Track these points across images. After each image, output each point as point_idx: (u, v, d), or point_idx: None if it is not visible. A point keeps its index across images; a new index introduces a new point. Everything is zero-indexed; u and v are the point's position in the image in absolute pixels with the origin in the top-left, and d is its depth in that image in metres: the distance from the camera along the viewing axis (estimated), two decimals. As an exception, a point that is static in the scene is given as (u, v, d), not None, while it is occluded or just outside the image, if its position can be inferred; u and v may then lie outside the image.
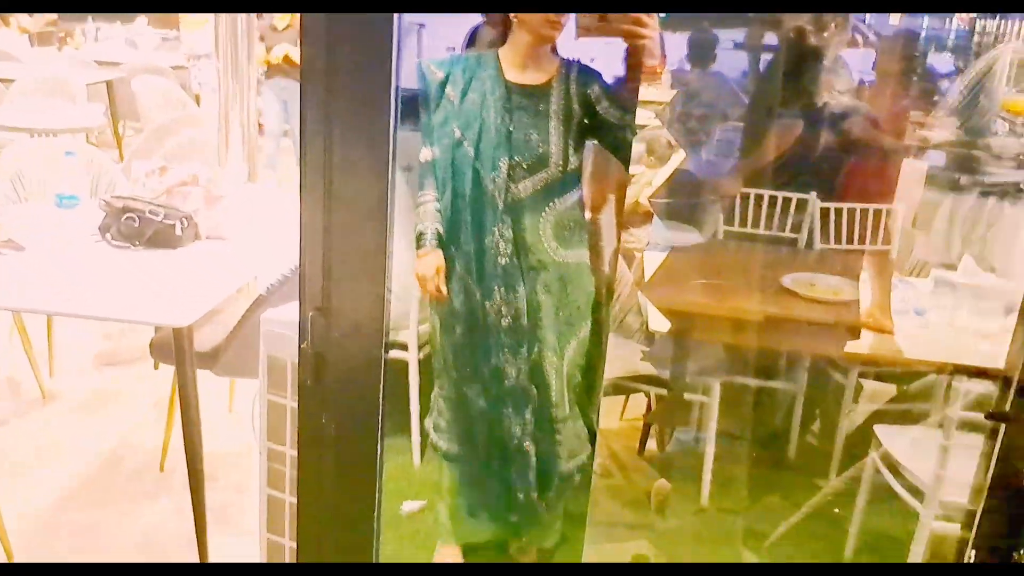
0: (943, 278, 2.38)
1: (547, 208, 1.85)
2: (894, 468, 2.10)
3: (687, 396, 2.46)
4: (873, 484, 2.19)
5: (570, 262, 1.90)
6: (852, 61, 3.84)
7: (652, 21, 1.65)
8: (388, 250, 1.06)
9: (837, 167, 3.14)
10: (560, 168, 1.81)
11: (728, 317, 2.35)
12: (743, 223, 3.09)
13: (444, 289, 1.87)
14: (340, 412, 1.19)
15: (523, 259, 1.86)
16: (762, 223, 3.08)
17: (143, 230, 2.37)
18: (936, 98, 4.46)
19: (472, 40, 3.99)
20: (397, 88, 1.04)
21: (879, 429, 2.19)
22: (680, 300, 2.40)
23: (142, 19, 9.56)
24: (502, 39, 1.85)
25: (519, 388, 1.94)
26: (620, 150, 1.86)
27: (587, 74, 1.82)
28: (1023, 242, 3.73)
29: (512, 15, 1.78)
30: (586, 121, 1.81)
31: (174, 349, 2.07)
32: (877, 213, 3.02)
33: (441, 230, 1.86)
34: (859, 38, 4.12)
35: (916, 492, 2.04)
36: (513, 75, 1.82)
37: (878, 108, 3.49)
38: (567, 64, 1.83)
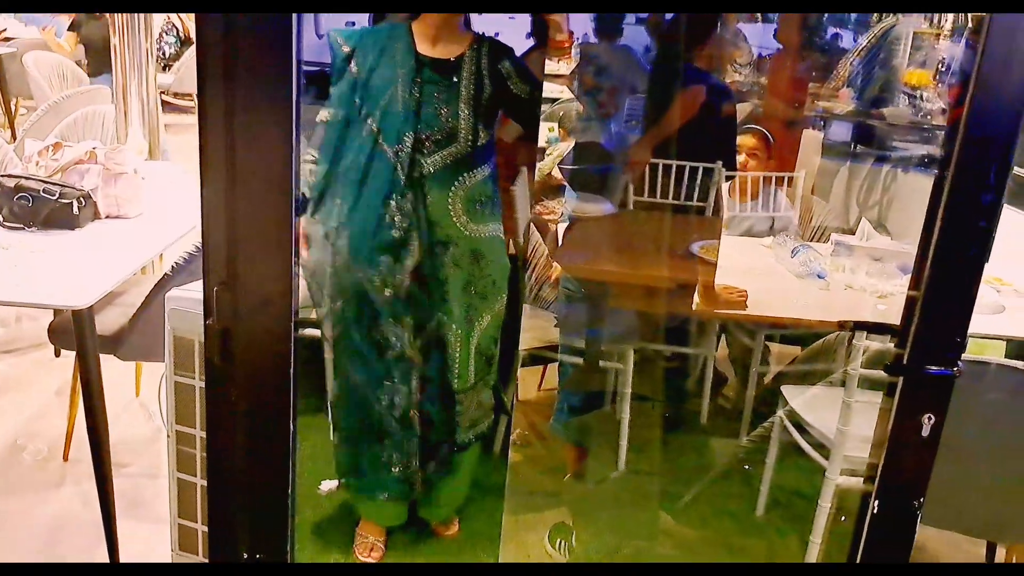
0: (842, 242, 2.48)
1: (456, 183, 1.83)
2: (800, 426, 2.18)
3: (602, 363, 2.51)
4: (781, 442, 2.28)
5: (482, 236, 1.89)
6: (752, 34, 3.95)
7: (563, 29, 1.70)
8: (294, 222, 1.04)
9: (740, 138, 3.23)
10: (470, 143, 1.80)
11: (640, 284, 2.40)
12: (652, 193, 3.15)
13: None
14: (250, 390, 1.16)
15: (430, 233, 1.85)
16: (671, 192, 3.15)
17: (38, 210, 2.26)
18: (834, 70, 4.64)
19: (376, 17, 3.93)
20: (299, 60, 1.02)
21: (785, 389, 2.28)
22: (592, 268, 2.44)
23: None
24: (415, 13, 1.82)
25: (404, 358, 1.94)
26: (529, 124, 1.89)
27: (499, 49, 1.82)
28: (917, 208, 3.93)
29: None
30: (497, 96, 1.81)
31: (74, 333, 1.99)
32: (780, 180, 3.12)
33: (308, 195, 1.85)
34: (757, 14, 4.24)
35: (821, 449, 2.13)
36: (425, 48, 1.80)
37: (777, 80, 3.60)
38: (479, 39, 1.83)
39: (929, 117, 4.39)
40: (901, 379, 1.23)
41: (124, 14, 3.21)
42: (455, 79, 1.79)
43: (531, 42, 1.86)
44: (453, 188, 1.83)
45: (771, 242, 2.61)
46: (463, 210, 1.86)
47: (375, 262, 1.85)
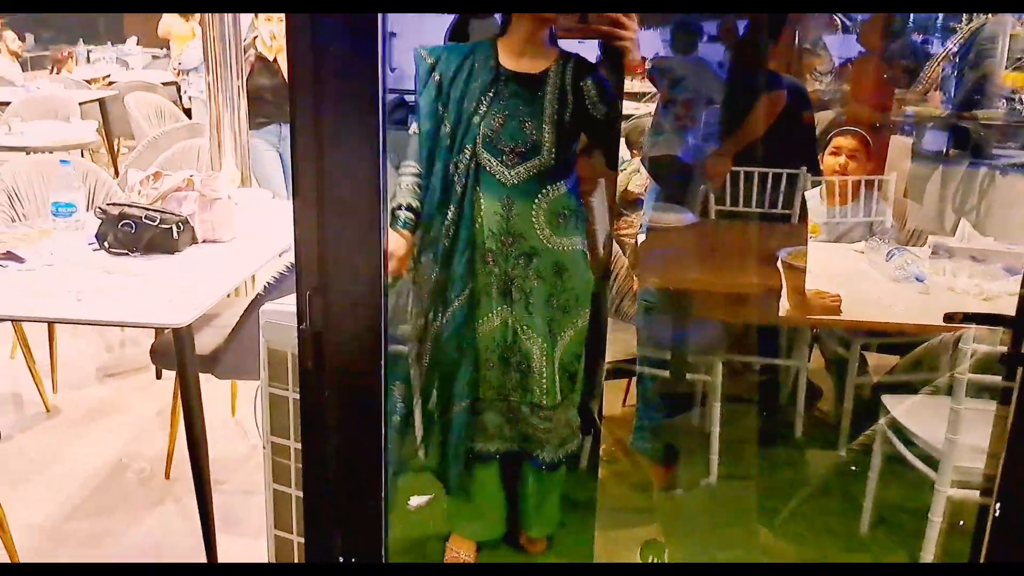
0: (941, 244, 2.38)
1: (539, 195, 1.86)
2: (904, 437, 2.09)
3: (689, 376, 2.46)
4: (884, 454, 2.18)
5: (565, 250, 1.90)
6: (832, 44, 3.86)
7: (631, 22, 1.68)
8: (382, 226, 1.06)
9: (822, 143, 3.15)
10: (553, 156, 1.83)
11: (724, 293, 2.34)
12: (734, 202, 3.09)
13: (403, 269, 1.90)
14: (343, 396, 1.18)
15: (515, 245, 1.88)
16: (753, 200, 3.09)
17: (140, 236, 2.36)
18: (921, 74, 4.48)
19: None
20: (383, 70, 1.04)
21: (886, 398, 2.19)
22: (676, 279, 2.40)
23: (132, 39, 9.59)
24: (501, 29, 1.88)
25: (492, 372, 1.95)
26: (606, 143, 1.91)
27: (583, 67, 1.84)
28: (1018, 212, 3.74)
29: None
30: (577, 113, 1.83)
31: (175, 351, 2.07)
32: (869, 184, 3.02)
33: (416, 205, 1.89)
34: (838, 21, 4.14)
35: (929, 460, 2.03)
36: (509, 62, 1.84)
37: (860, 86, 3.49)
38: (564, 55, 1.85)
39: (1024, 117, 4.19)
40: (1021, 370, 1.15)
41: (219, 56, 3.37)
42: (539, 93, 1.83)
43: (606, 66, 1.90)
44: (537, 200, 1.86)
45: (864, 246, 2.52)
46: (546, 223, 1.88)
47: (463, 273, 1.89)
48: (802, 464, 2.58)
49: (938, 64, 4.59)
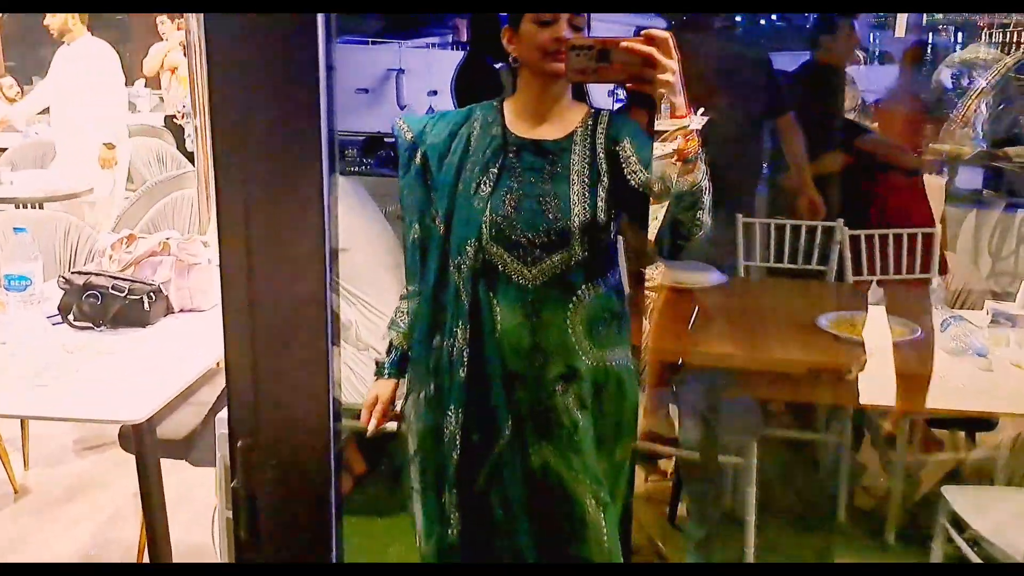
0: (1001, 311, 2.12)
1: (574, 298, 1.44)
2: (972, 538, 1.81)
3: (721, 459, 2.19)
4: (946, 557, 1.90)
5: (610, 366, 1.48)
6: (858, 78, 3.61)
7: (671, 53, 1.24)
8: (330, 349, 0.82)
9: (861, 191, 2.90)
10: (586, 244, 1.41)
11: (761, 369, 2.09)
12: (765, 257, 2.85)
13: (374, 424, 1.55)
14: None
15: (545, 367, 1.45)
16: (786, 255, 2.84)
17: (107, 308, 2.14)
18: (954, 111, 4.25)
19: (459, 85, 3.73)
20: (331, 136, 0.81)
21: (948, 490, 1.91)
22: (706, 350, 2.14)
23: (140, 81, 9.51)
24: (511, 86, 1.50)
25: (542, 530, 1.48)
26: (639, 216, 1.43)
27: (618, 124, 1.45)
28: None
29: (511, 53, 1.43)
30: (616, 184, 1.42)
31: (133, 442, 1.83)
32: (912, 237, 2.77)
33: (406, 345, 1.56)
34: (861, 55, 3.90)
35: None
36: (522, 128, 1.46)
37: (890, 123, 3.25)
38: (594, 111, 1.47)
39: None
40: None
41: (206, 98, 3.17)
42: (562, 164, 1.43)
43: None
44: (572, 305, 1.44)
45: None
46: (585, 333, 1.45)
47: (491, 406, 1.46)
48: (847, 558, 2.29)
49: (972, 101, 4.35)
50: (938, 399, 1.95)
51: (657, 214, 1.39)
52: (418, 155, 1.48)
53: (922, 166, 3.16)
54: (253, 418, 0.81)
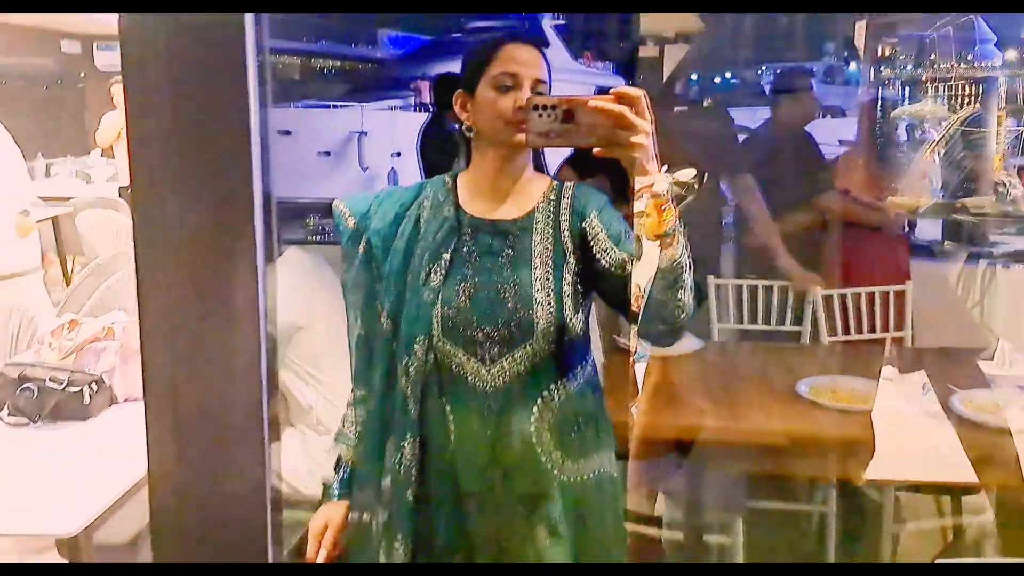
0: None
1: (539, 401, 1.25)
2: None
3: (705, 538, 2.09)
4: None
5: (586, 479, 1.29)
6: (816, 134, 3.61)
7: (646, 119, 1.07)
8: (267, 449, 0.71)
9: (830, 249, 2.87)
10: (552, 336, 1.23)
11: (741, 441, 2.00)
12: (739, 318, 2.79)
13: (324, 556, 1.32)
14: None
15: (507, 486, 1.25)
16: (759, 316, 2.78)
17: (44, 402, 1.99)
18: (908, 164, 4.30)
19: (424, 148, 3.65)
20: (267, 212, 0.71)
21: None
22: (683, 424, 2.05)
23: (96, 151, 9.36)
24: (466, 158, 1.33)
25: None
26: (618, 300, 1.25)
27: (583, 197, 1.29)
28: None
29: (464, 120, 1.27)
30: (585, 266, 1.26)
31: (69, 551, 1.68)
32: (884, 295, 2.73)
33: (349, 456, 1.36)
34: (818, 111, 3.93)
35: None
36: (477, 206, 1.29)
37: (849, 178, 3.24)
38: (558, 184, 1.31)
39: (1015, 204, 4.00)
40: None
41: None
42: (523, 247, 1.26)
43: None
44: (536, 409, 1.25)
45: (892, 375, 2.20)
46: (554, 442, 1.25)
47: (440, 541, 1.27)
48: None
49: (928, 153, 4.41)
50: (926, 468, 1.87)
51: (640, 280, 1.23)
52: (362, 243, 1.31)
53: (887, 220, 3.14)
54: (178, 535, 0.70)
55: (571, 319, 1.25)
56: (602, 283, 1.26)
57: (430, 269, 1.25)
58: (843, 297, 2.68)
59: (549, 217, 1.28)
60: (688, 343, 2.53)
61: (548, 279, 1.24)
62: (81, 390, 2.01)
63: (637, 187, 1.09)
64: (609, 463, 1.32)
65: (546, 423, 1.25)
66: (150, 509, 0.75)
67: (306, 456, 2.19)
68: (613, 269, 1.22)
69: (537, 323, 1.22)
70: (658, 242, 1.10)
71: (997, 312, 3.52)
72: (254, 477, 0.73)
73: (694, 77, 3.86)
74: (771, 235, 2.69)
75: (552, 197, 1.29)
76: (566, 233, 1.27)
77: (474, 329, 1.23)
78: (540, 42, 1.27)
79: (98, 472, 1.79)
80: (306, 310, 2.10)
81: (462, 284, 1.24)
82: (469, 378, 1.24)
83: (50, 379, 2.00)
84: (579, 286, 1.26)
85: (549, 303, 1.23)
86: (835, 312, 2.67)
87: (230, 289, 0.69)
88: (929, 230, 4.14)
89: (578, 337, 1.28)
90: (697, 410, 2.03)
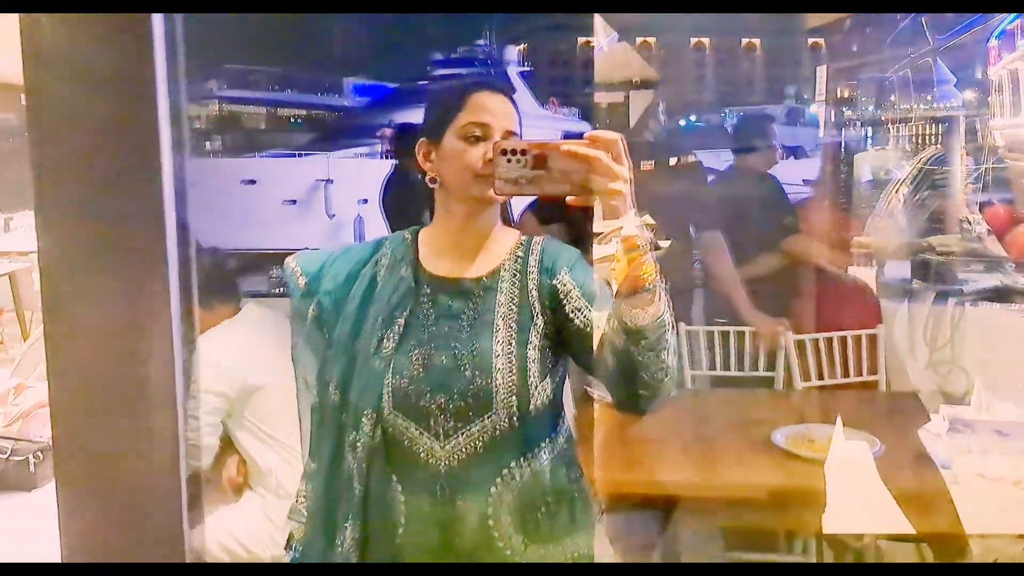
0: (958, 417, 2.03)
1: (498, 481, 1.13)
2: None
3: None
4: None
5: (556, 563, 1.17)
6: (780, 174, 3.63)
7: (624, 164, 1.00)
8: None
9: (799, 294, 2.86)
10: (514, 406, 1.12)
11: (715, 496, 1.94)
12: (711, 364, 2.75)
13: None
14: None
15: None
16: (732, 362, 2.74)
17: (-14, 471, 1.90)
18: (874, 204, 4.34)
19: (387, 200, 3.56)
20: (186, 268, 0.65)
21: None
22: (651, 480, 1.99)
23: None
24: (429, 212, 1.23)
25: None
26: (588, 362, 1.15)
27: (553, 252, 1.19)
28: (994, 344, 3.49)
29: (428, 171, 1.18)
30: (555, 328, 1.16)
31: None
32: (857, 339, 2.71)
33: (303, 539, 1.22)
34: (780, 153, 3.95)
35: None
36: (440, 266, 1.19)
37: (813, 220, 3.24)
38: (525, 242, 1.21)
39: (980, 242, 4.04)
40: None
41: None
42: (486, 308, 1.16)
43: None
44: (494, 490, 1.13)
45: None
46: (516, 526, 1.14)
47: None
48: None
49: (893, 194, 4.45)
50: (908, 517, 1.82)
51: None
52: (312, 305, 1.19)
53: (852, 262, 3.14)
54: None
55: (536, 387, 1.13)
56: (575, 345, 1.16)
57: (383, 335, 1.14)
58: (815, 342, 2.65)
59: (516, 275, 1.18)
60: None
61: (511, 343, 1.13)
62: (27, 459, 1.92)
63: (605, 230, 1.02)
64: (586, 545, 1.20)
65: (505, 505, 1.13)
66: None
67: (266, 520, 2.10)
68: (588, 330, 1.12)
69: (496, 393, 1.11)
70: (635, 298, 1.00)
71: (967, 351, 3.52)
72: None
73: (661, 121, 3.86)
74: (736, 291, 2.67)
75: (519, 253, 1.19)
76: (534, 293, 1.16)
77: (428, 401, 1.12)
78: (509, 90, 1.20)
79: (42, 546, 1.69)
80: (265, 368, 2.02)
81: (416, 351, 1.13)
82: (421, 455, 1.12)
83: (-7, 447, 1.91)
84: (549, 351, 1.16)
85: (511, 370, 1.12)
86: (808, 357, 2.64)
87: (145, 366, 0.63)
88: (899, 270, 4.16)
89: (546, 407, 1.16)
90: (671, 461, 1.97)
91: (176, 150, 0.66)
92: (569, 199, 1.01)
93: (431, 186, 1.18)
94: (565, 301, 1.15)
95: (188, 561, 0.68)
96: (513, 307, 1.15)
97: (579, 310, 1.14)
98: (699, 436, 2.18)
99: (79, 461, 0.68)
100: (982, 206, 4.14)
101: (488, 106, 1.15)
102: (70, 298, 0.64)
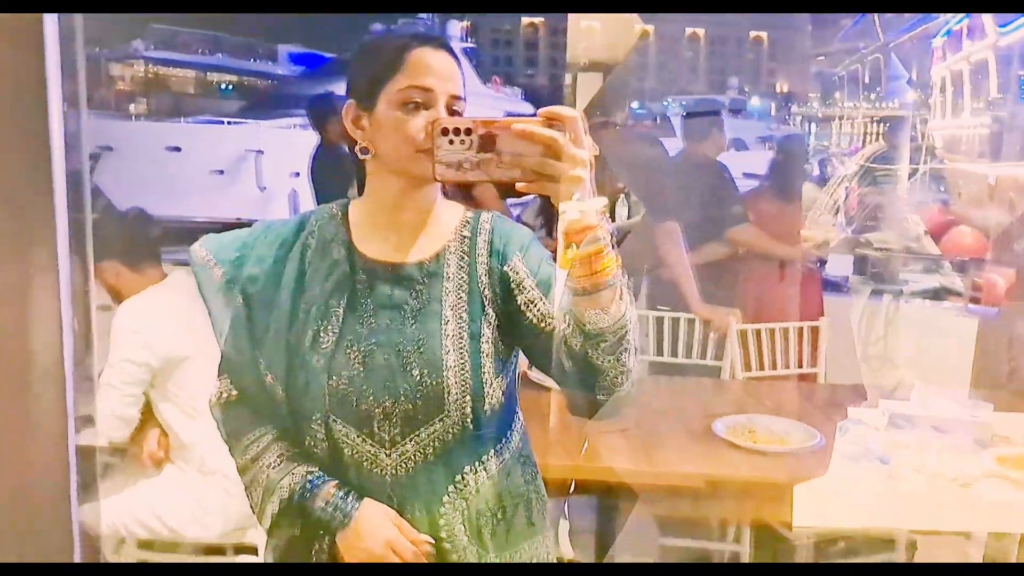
0: (898, 412, 2.03)
1: (452, 488, 1.03)
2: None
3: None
4: None
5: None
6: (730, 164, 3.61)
7: (583, 146, 0.88)
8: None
9: (743, 283, 2.85)
10: (467, 410, 1.01)
11: (655, 484, 1.90)
12: (659, 350, 2.71)
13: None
14: None
15: None
16: (680, 349, 2.72)
17: None
18: (817, 198, 4.38)
19: (316, 175, 3.42)
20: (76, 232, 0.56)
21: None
22: (593, 464, 1.95)
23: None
24: (359, 184, 1.08)
25: None
26: (546, 360, 1.01)
27: (504, 234, 1.06)
28: (926, 340, 3.55)
29: (358, 141, 1.03)
30: (508, 319, 1.04)
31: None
32: (799, 331, 2.71)
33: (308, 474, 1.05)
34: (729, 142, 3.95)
35: None
36: (376, 248, 1.05)
37: (761, 212, 3.25)
38: (472, 218, 1.08)
39: (918, 241, 4.11)
40: None
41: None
42: (431, 296, 1.03)
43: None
44: (447, 499, 1.03)
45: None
46: (472, 535, 1.04)
47: None
48: None
49: (836, 189, 4.50)
50: (843, 514, 1.81)
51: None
52: (236, 297, 1.03)
53: (798, 256, 3.14)
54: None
55: (490, 384, 1.02)
56: (527, 341, 1.04)
57: (320, 328, 1.01)
58: (757, 332, 2.64)
59: (463, 258, 1.04)
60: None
61: (462, 337, 1.01)
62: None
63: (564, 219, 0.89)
64: (545, 551, 1.12)
65: (459, 514, 1.03)
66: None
67: (187, 496, 2.00)
68: (542, 325, 1.00)
69: (448, 393, 1.00)
70: (595, 296, 0.90)
71: (901, 347, 3.58)
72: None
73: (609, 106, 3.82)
74: (686, 283, 2.65)
75: (465, 233, 1.06)
76: (484, 279, 1.04)
77: (370, 404, 1.00)
78: (450, 46, 1.04)
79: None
80: (191, 339, 1.91)
81: (354, 347, 1.01)
82: (365, 464, 1.01)
83: None
84: (501, 343, 1.04)
85: (463, 368, 1.00)
86: (749, 347, 2.63)
87: (29, 336, 0.54)
88: (840, 265, 4.22)
89: (500, 405, 1.04)
90: (612, 449, 1.93)
91: (76, 107, 0.57)
92: (519, 186, 0.89)
93: (361, 156, 1.03)
94: (517, 292, 1.03)
95: (76, 538, 0.60)
96: (462, 295, 1.03)
97: (532, 303, 1.02)
98: (642, 424, 2.15)
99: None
100: (920, 205, 4.22)
101: (431, 65, 0.99)
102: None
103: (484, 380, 1.01)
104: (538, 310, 1.01)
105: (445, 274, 1.04)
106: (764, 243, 2.86)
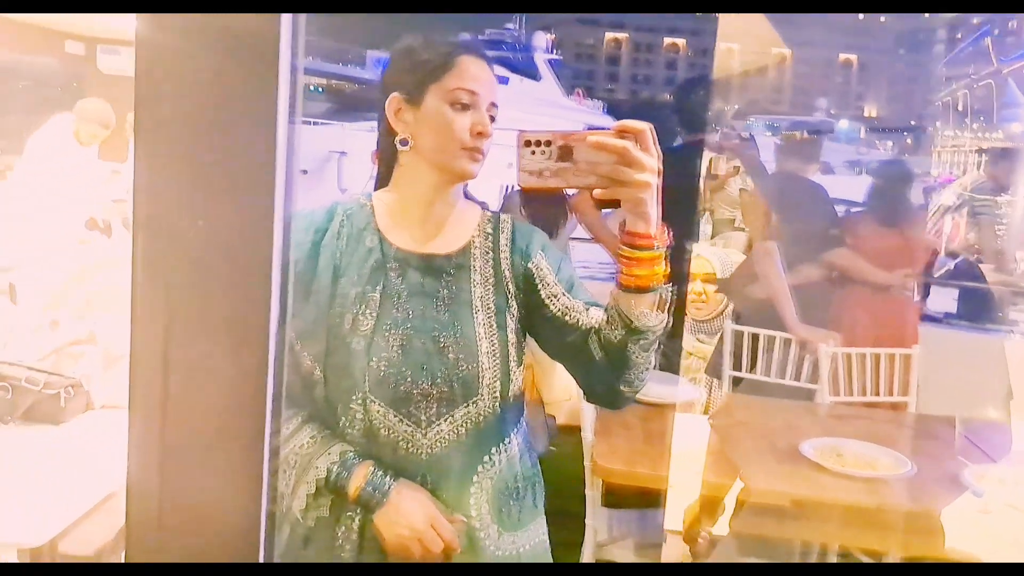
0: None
1: (481, 467, 1.10)
2: None
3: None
4: None
5: (522, 551, 1.13)
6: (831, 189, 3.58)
7: (654, 156, 0.95)
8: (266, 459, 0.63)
9: (839, 307, 2.81)
10: (497, 392, 1.08)
11: (741, 501, 1.91)
12: (751, 367, 2.70)
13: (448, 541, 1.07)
14: None
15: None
16: (773, 368, 2.70)
17: (17, 402, 1.90)
18: (929, 226, 4.24)
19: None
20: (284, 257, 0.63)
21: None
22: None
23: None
24: (384, 175, 1.15)
25: None
26: (572, 358, 1.11)
27: (525, 234, 1.15)
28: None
29: (399, 133, 1.10)
30: (531, 312, 1.13)
31: (30, 559, 1.59)
32: (891, 358, 2.66)
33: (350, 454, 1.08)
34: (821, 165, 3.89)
35: None
36: (405, 238, 1.11)
37: (859, 237, 3.20)
38: (493, 217, 1.16)
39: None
40: None
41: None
42: (461, 287, 1.10)
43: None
44: (477, 478, 1.10)
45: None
46: (493, 513, 1.10)
47: None
48: None
49: (939, 218, 4.36)
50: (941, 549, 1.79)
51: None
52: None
53: (894, 283, 3.08)
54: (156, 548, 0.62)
55: (515, 371, 1.10)
56: (546, 332, 1.11)
57: (358, 312, 1.06)
58: (848, 357, 2.61)
59: (488, 253, 1.12)
60: (686, 390, 2.46)
61: (491, 325, 1.09)
62: (58, 393, 1.92)
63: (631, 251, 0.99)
64: (543, 532, 1.19)
65: (486, 494, 1.09)
66: (127, 521, 0.68)
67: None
68: (565, 317, 1.09)
69: (483, 377, 1.06)
70: (645, 297, 1.00)
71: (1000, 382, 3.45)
72: (248, 492, 0.64)
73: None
74: (784, 303, 2.63)
75: (488, 230, 1.14)
76: (507, 273, 1.12)
77: (408, 386, 1.05)
78: (491, 62, 1.14)
79: (68, 480, 1.70)
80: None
81: (392, 331, 1.06)
82: (402, 444, 1.06)
83: (26, 379, 1.91)
84: (523, 334, 1.13)
85: (494, 353, 1.07)
86: (839, 372, 2.60)
87: (238, 303, 0.62)
88: (942, 295, 4.10)
89: (521, 393, 1.13)
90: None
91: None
92: (596, 192, 0.96)
93: (400, 148, 1.10)
94: (540, 286, 1.11)
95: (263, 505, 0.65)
96: (488, 287, 1.11)
97: (555, 296, 1.11)
98: (727, 440, 2.16)
99: (155, 389, 0.65)
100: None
101: (477, 74, 1.08)
102: (163, 241, 0.62)
103: (511, 367, 1.09)
104: (561, 303, 1.10)
105: (472, 266, 1.11)
106: (859, 268, 2.82)
